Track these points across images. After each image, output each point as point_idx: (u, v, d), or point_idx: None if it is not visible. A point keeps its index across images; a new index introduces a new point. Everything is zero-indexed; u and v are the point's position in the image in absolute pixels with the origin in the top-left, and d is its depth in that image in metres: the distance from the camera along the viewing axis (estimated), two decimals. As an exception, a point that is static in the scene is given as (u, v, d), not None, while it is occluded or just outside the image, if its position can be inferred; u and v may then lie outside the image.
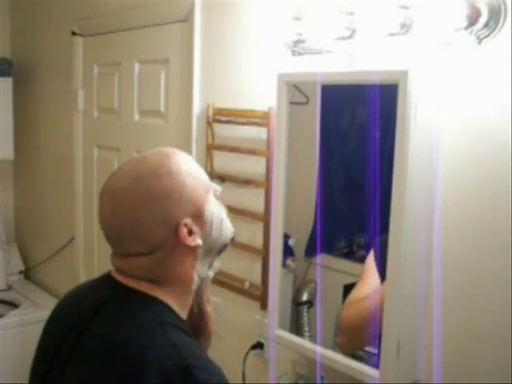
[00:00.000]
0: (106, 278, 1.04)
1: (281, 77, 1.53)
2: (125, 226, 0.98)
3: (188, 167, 1.04)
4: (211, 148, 1.96)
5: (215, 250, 1.06)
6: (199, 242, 1.00)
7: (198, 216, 1.00)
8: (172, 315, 0.99)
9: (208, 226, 1.02)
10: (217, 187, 1.09)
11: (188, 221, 0.98)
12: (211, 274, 1.08)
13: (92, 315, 0.98)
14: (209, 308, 1.20)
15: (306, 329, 1.64)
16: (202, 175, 1.06)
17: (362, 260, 1.49)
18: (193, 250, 1.01)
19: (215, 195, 1.06)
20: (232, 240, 1.10)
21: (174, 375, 0.87)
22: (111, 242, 1.03)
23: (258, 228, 1.79)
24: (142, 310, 0.97)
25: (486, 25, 1.18)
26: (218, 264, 1.09)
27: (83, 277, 2.79)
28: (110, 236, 1.03)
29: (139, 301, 0.98)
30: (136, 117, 2.38)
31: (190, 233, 0.99)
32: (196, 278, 1.03)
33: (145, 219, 0.96)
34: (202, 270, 1.04)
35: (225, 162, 1.92)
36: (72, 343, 0.98)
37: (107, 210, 1.01)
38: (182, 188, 0.99)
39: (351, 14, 1.37)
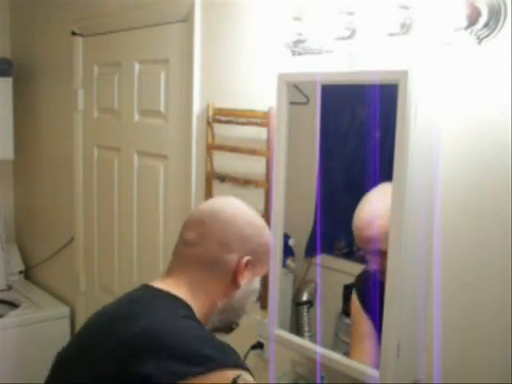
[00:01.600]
0: (139, 286, 1.12)
1: (281, 77, 1.53)
2: (219, 221, 1.11)
3: (271, 240, 1.21)
4: (211, 148, 1.96)
5: (229, 316, 1.14)
6: (242, 283, 1.11)
7: (255, 271, 1.13)
8: (194, 314, 1.05)
9: (250, 286, 1.14)
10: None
11: (250, 259, 1.11)
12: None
13: (120, 310, 1.05)
14: None
15: (306, 329, 1.64)
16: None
17: (362, 260, 1.50)
18: (233, 286, 1.11)
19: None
20: (236, 325, 1.18)
21: (208, 352, 0.92)
22: (190, 227, 1.13)
23: (258, 228, 1.79)
24: (169, 303, 1.04)
25: (486, 25, 1.18)
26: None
27: (83, 277, 2.79)
28: (194, 221, 1.14)
29: (168, 299, 1.05)
30: (136, 117, 2.38)
31: (243, 273, 1.11)
32: (217, 311, 1.11)
33: (240, 227, 1.12)
34: (218, 309, 1.11)
35: (225, 162, 1.92)
36: (97, 335, 1.02)
37: (214, 206, 1.16)
38: (268, 245, 1.17)
39: (351, 14, 1.37)
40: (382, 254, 1.30)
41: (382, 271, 1.30)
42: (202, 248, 1.10)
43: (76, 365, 1.02)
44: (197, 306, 1.07)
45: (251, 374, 0.95)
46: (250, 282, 1.13)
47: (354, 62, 1.42)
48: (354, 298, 1.50)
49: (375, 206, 1.36)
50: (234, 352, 0.98)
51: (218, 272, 1.10)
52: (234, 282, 1.10)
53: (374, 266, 1.37)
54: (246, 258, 1.10)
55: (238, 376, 0.90)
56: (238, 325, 1.18)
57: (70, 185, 2.84)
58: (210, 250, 1.09)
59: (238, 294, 1.12)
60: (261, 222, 1.17)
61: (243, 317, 1.18)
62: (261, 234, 1.15)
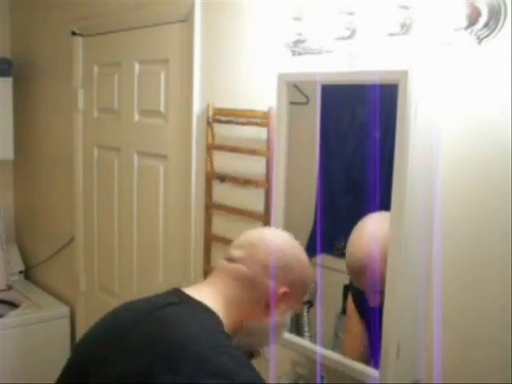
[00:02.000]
0: (171, 290, 1.10)
1: (281, 77, 1.53)
2: (267, 249, 1.14)
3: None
4: (211, 148, 1.96)
5: (251, 341, 1.13)
6: (272, 315, 1.11)
7: (289, 304, 1.15)
8: (224, 329, 1.03)
9: (281, 319, 1.14)
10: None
11: (288, 291, 1.12)
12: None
13: (148, 315, 1.01)
14: None
15: (306, 329, 1.64)
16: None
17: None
18: (265, 313, 1.12)
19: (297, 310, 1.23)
20: (258, 353, 1.19)
21: (230, 366, 0.92)
22: (239, 246, 1.17)
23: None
24: (200, 314, 1.02)
25: (486, 25, 1.18)
26: None
27: (83, 277, 2.79)
28: (247, 241, 1.18)
29: (202, 310, 1.03)
30: (136, 117, 2.38)
31: (278, 302, 1.12)
32: (240, 327, 1.10)
33: (292, 261, 1.14)
34: (244, 331, 1.11)
35: (225, 162, 1.92)
36: (122, 338, 0.99)
37: (262, 232, 1.25)
38: (309, 276, 1.19)
39: (351, 13, 1.37)
40: (381, 293, 1.30)
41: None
42: (245, 266, 1.11)
43: (100, 364, 0.99)
44: (228, 321, 1.06)
45: None
46: (281, 314, 1.14)
47: (354, 62, 1.42)
48: (350, 300, 1.51)
49: (369, 246, 1.35)
50: (259, 373, 0.97)
51: (255, 293, 1.11)
52: (267, 309, 1.11)
53: (373, 303, 1.36)
54: (284, 289, 1.11)
55: None
56: (259, 354, 1.19)
57: (69, 185, 2.84)
58: (254, 270, 1.11)
59: (268, 322, 1.12)
60: (306, 259, 1.19)
61: (267, 347, 1.22)
62: (303, 270, 1.16)
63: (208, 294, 1.08)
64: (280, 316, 1.13)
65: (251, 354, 1.17)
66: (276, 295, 1.11)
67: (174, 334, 0.95)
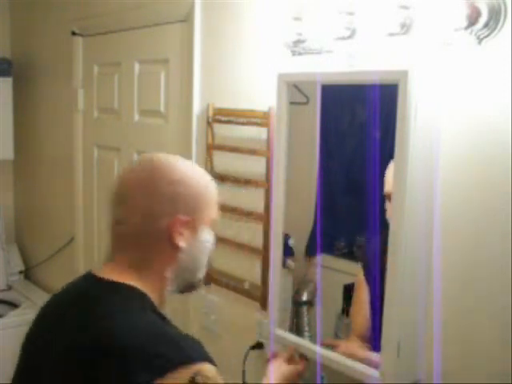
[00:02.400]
0: (87, 275, 1.06)
1: (281, 77, 1.53)
2: (141, 185, 1.03)
3: (212, 184, 1.11)
4: (211, 148, 1.96)
5: (183, 274, 1.07)
6: (182, 244, 1.03)
7: (196, 228, 1.05)
8: (149, 303, 1.01)
9: (195, 244, 1.06)
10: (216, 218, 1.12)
11: (184, 219, 1.03)
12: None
13: (70, 307, 1.01)
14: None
15: (306, 329, 1.64)
16: (216, 199, 1.11)
17: (361, 260, 1.50)
18: (174, 248, 1.04)
19: (212, 223, 1.10)
20: (199, 282, 1.12)
21: (159, 349, 0.89)
22: (117, 199, 1.06)
23: (258, 228, 1.79)
24: (120, 298, 0.99)
25: (486, 25, 1.18)
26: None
27: (83, 277, 2.79)
28: (120, 190, 1.06)
29: (119, 291, 1.00)
30: (136, 117, 2.38)
31: (181, 233, 1.03)
32: (167, 280, 1.05)
33: (161, 190, 1.02)
34: (170, 277, 1.05)
35: (225, 162, 1.92)
36: (50, 338, 1.00)
37: (136, 168, 1.09)
38: (204, 194, 1.07)
39: (351, 13, 1.37)
40: None
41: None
42: (130, 224, 1.03)
43: (39, 372, 1.01)
44: (148, 288, 1.02)
45: (214, 364, 0.92)
46: (194, 238, 1.05)
47: (354, 62, 1.42)
48: (360, 273, 1.50)
49: None
50: (192, 344, 0.94)
51: (152, 244, 1.03)
52: (173, 247, 1.03)
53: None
54: (176, 219, 1.02)
55: (196, 373, 0.87)
56: (200, 281, 1.12)
57: (69, 185, 2.84)
58: (138, 223, 1.02)
59: (185, 254, 1.05)
60: (188, 172, 1.07)
61: (203, 272, 1.12)
62: (190, 186, 1.05)
63: (119, 271, 1.03)
64: (193, 241, 1.05)
65: (193, 287, 1.12)
66: (171, 231, 1.02)
67: (90, 333, 0.93)
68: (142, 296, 1.01)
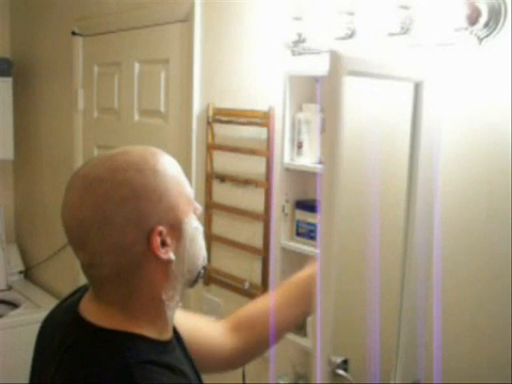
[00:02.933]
0: (72, 315, 0.95)
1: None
2: (92, 221, 0.85)
3: (174, 171, 0.92)
4: (211, 148, 1.96)
5: (185, 275, 0.94)
6: (172, 256, 0.89)
7: (176, 228, 0.90)
8: (151, 349, 0.89)
9: (184, 243, 0.91)
10: (198, 206, 0.97)
11: (163, 229, 0.87)
12: (179, 305, 0.97)
13: (59, 358, 0.90)
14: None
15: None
16: (187, 186, 0.94)
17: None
18: (164, 265, 0.89)
19: (195, 213, 0.95)
20: (204, 269, 0.98)
21: None
22: (74, 244, 0.90)
23: (258, 228, 1.79)
24: (106, 355, 0.86)
25: (486, 25, 1.18)
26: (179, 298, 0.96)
27: (83, 277, 2.77)
28: (72, 234, 0.89)
29: (104, 344, 0.88)
30: (136, 117, 2.38)
31: (164, 244, 0.88)
32: (165, 301, 0.92)
33: (116, 215, 0.84)
34: (170, 294, 0.92)
35: (225, 162, 1.92)
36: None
37: (74, 200, 0.87)
38: (164, 190, 0.88)
39: (351, 13, 1.37)
40: None
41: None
42: (101, 268, 0.88)
43: None
44: (145, 320, 0.90)
45: None
46: (179, 238, 0.90)
47: (354, 62, 1.41)
48: None
49: None
50: None
51: (138, 273, 0.88)
52: (162, 262, 0.89)
53: None
54: (153, 236, 0.86)
55: None
56: (200, 276, 0.97)
57: (70, 185, 2.84)
58: (110, 263, 0.87)
59: (178, 262, 0.91)
60: (138, 176, 0.86)
61: (205, 259, 0.98)
62: (148, 191, 0.86)
63: (108, 314, 0.90)
64: (180, 240, 0.91)
65: (198, 278, 0.98)
66: (154, 248, 0.87)
67: None
68: (132, 343, 0.88)
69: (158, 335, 0.93)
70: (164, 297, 0.91)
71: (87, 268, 0.91)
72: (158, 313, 0.92)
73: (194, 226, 0.93)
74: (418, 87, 1.22)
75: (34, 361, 1.02)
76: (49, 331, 1.02)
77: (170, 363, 0.89)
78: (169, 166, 0.91)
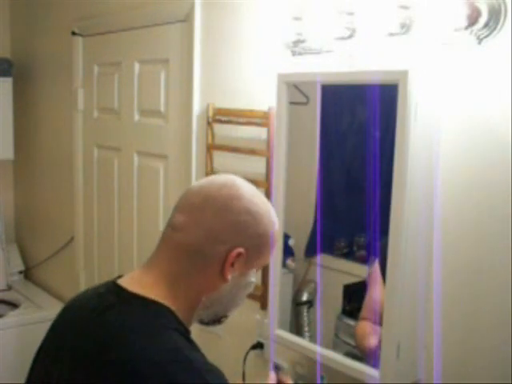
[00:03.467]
0: (111, 286, 1.00)
1: (280, 77, 1.53)
2: (215, 204, 0.99)
3: (277, 229, 1.05)
4: (211, 148, 1.96)
5: (214, 306, 1.03)
6: (229, 278, 0.99)
7: (246, 267, 1.02)
8: (175, 322, 0.96)
9: (239, 282, 1.02)
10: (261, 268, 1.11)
11: (242, 252, 0.99)
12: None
13: (93, 320, 0.95)
14: None
15: (306, 329, 1.64)
16: (273, 250, 1.07)
17: (362, 260, 1.50)
18: (219, 279, 0.99)
19: (257, 270, 1.07)
20: (225, 318, 1.08)
21: (180, 377, 0.86)
22: (186, 207, 1.01)
23: (258, 228, 1.79)
24: (145, 314, 0.94)
25: (486, 25, 1.18)
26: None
27: (83, 277, 2.79)
28: (194, 200, 1.01)
29: (141, 307, 0.95)
30: (136, 117, 2.38)
31: (232, 265, 0.99)
32: (200, 304, 1.01)
33: (235, 215, 0.99)
34: (205, 304, 1.01)
35: (225, 162, 1.92)
36: (72, 348, 0.96)
37: (211, 189, 1.02)
38: (270, 230, 1.02)
39: (351, 13, 1.37)
40: None
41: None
42: (189, 235, 0.98)
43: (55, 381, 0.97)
44: (179, 303, 0.97)
45: None
46: (242, 275, 1.02)
47: (354, 62, 1.42)
48: (377, 266, 1.44)
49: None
50: (214, 374, 0.90)
51: (204, 264, 0.98)
52: (222, 276, 0.99)
53: None
54: (236, 251, 0.98)
55: None
56: (227, 317, 1.08)
57: (70, 185, 2.84)
58: (198, 238, 0.97)
59: (227, 287, 1.00)
60: (262, 208, 1.02)
61: (235, 310, 1.08)
62: (259, 223, 1.00)
63: (152, 281, 0.98)
64: (241, 278, 1.02)
65: (218, 321, 1.07)
66: (228, 260, 0.98)
67: (118, 350, 0.89)
68: (168, 314, 0.95)
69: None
70: (203, 300, 1.00)
71: (174, 230, 1.00)
72: (193, 308, 1.00)
73: (252, 280, 1.06)
74: (401, 85, 1.22)
75: (50, 339, 1.05)
76: (77, 305, 1.04)
77: (187, 335, 0.97)
78: (276, 220, 1.05)
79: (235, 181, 1.04)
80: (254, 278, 1.06)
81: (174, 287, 0.98)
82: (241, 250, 0.98)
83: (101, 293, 1.01)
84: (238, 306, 1.07)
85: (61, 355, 0.97)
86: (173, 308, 0.96)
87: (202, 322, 1.06)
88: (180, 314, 0.97)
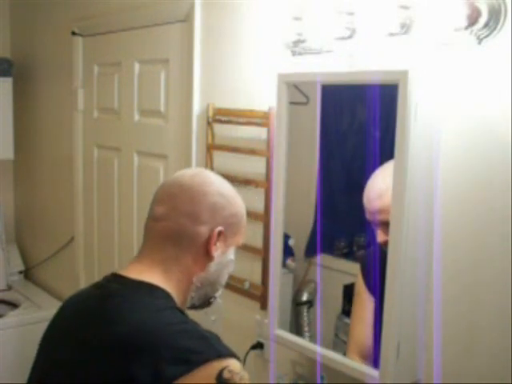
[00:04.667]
0: (110, 277, 1.08)
1: (280, 77, 1.53)
2: (193, 189, 1.08)
3: (244, 207, 1.17)
4: (211, 148, 1.96)
5: (204, 287, 1.11)
6: (215, 254, 1.08)
7: (226, 245, 1.11)
8: (174, 303, 1.04)
9: (221, 260, 1.10)
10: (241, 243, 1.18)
11: (222, 230, 1.09)
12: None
13: (98, 306, 1.01)
14: None
15: (306, 329, 1.64)
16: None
17: (361, 260, 1.50)
18: (206, 258, 1.09)
19: (236, 246, 1.16)
20: (214, 299, 1.17)
21: (189, 344, 0.92)
22: (164, 199, 1.09)
23: (258, 228, 1.79)
24: (144, 297, 1.01)
25: (486, 25, 1.18)
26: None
27: (83, 277, 2.79)
28: (172, 191, 1.09)
29: (145, 291, 1.02)
30: (136, 117, 2.38)
31: (215, 243, 1.08)
32: (192, 286, 1.09)
33: (210, 196, 1.09)
34: (196, 285, 1.10)
35: (225, 161, 1.92)
36: (79, 335, 1.00)
37: (184, 178, 1.11)
38: (243, 212, 1.14)
39: (351, 13, 1.37)
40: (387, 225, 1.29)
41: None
42: (171, 222, 1.07)
43: (63, 366, 1.00)
44: (173, 286, 1.06)
45: (239, 359, 0.95)
46: (223, 254, 1.11)
47: (354, 62, 1.42)
48: (360, 278, 1.48)
49: (385, 181, 1.32)
50: (218, 340, 0.97)
51: (189, 246, 1.07)
52: (207, 254, 1.08)
53: (382, 237, 1.34)
54: (217, 229, 1.08)
55: (224, 368, 0.91)
56: (215, 298, 1.17)
57: (70, 185, 2.84)
58: (180, 223, 1.06)
59: (213, 266, 1.10)
60: (232, 192, 1.14)
61: (220, 290, 1.17)
62: (232, 204, 1.11)
63: (146, 269, 1.07)
64: (223, 256, 1.11)
65: (208, 303, 1.16)
66: (211, 239, 1.07)
67: (123, 327, 0.95)
68: (167, 296, 1.03)
69: None
70: (194, 281, 1.08)
71: (156, 220, 1.08)
72: (185, 290, 1.08)
73: (231, 258, 1.14)
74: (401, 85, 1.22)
75: (52, 332, 1.09)
76: (79, 297, 1.11)
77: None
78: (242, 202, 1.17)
79: (204, 171, 1.19)
80: (233, 255, 1.15)
81: (167, 273, 1.06)
82: (221, 228, 1.08)
83: (102, 284, 1.08)
84: (223, 285, 1.16)
85: (67, 342, 1.02)
86: (169, 292, 1.04)
87: (193, 307, 1.14)
88: (175, 298, 1.05)
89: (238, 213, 1.13)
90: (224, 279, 1.16)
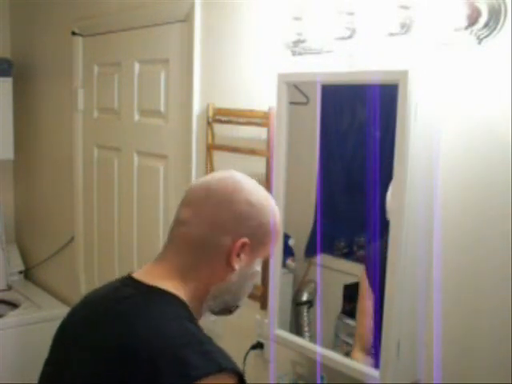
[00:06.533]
0: (127, 281, 1.05)
1: (280, 77, 1.53)
2: (218, 196, 1.03)
3: (279, 223, 1.10)
4: (211, 148, 1.96)
5: (226, 300, 1.07)
6: (236, 267, 1.03)
7: (252, 257, 1.05)
8: (187, 312, 1.00)
9: (245, 271, 1.05)
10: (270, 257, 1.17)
11: (247, 242, 1.02)
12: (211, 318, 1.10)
13: (111, 311, 1.00)
14: None
15: (306, 329, 1.64)
16: (279, 239, 1.14)
17: (362, 260, 1.50)
18: (226, 269, 1.03)
19: (264, 259, 1.11)
20: (236, 307, 1.12)
21: (193, 360, 0.89)
22: (191, 203, 1.05)
23: (258, 228, 1.79)
24: (157, 305, 0.98)
25: (486, 25, 1.18)
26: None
27: (83, 277, 2.79)
28: (197, 194, 1.05)
29: (158, 298, 0.99)
30: (136, 117, 2.38)
31: (238, 255, 1.02)
32: (208, 295, 1.04)
33: (235, 207, 1.02)
34: (214, 294, 1.05)
35: (225, 162, 1.92)
36: (91, 339, 0.99)
37: (213, 182, 1.06)
38: (273, 223, 1.06)
39: (351, 13, 1.37)
40: None
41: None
42: (193, 228, 1.02)
43: (72, 365, 1.00)
44: (189, 294, 1.01)
45: (241, 374, 0.92)
46: (248, 265, 1.05)
47: (354, 62, 1.42)
48: (364, 274, 1.48)
49: None
50: (223, 356, 0.93)
51: (210, 255, 1.02)
52: (229, 265, 1.02)
53: None
54: (241, 240, 1.01)
55: None
56: (238, 307, 1.12)
57: (70, 185, 2.84)
58: (202, 231, 1.01)
59: (234, 277, 1.04)
60: (263, 199, 1.06)
61: (243, 300, 1.12)
62: (261, 213, 1.04)
63: (163, 274, 1.02)
64: (247, 267, 1.05)
65: (229, 311, 1.12)
66: (233, 250, 1.01)
67: (128, 333, 0.93)
68: (180, 303, 0.99)
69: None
70: (211, 290, 1.04)
71: (180, 224, 1.04)
72: (202, 299, 1.04)
73: (257, 269, 1.09)
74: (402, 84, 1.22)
75: (62, 338, 1.07)
76: (95, 298, 1.08)
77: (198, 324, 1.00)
78: (277, 211, 1.09)
79: (235, 175, 1.08)
80: (259, 267, 1.09)
81: (184, 279, 1.02)
82: (245, 240, 1.02)
83: (117, 287, 1.04)
84: (245, 295, 1.11)
85: (80, 345, 1.00)
86: (184, 299, 1.00)
87: (212, 312, 1.10)
88: (190, 306, 1.01)
89: (266, 223, 1.05)
90: (247, 290, 1.10)
